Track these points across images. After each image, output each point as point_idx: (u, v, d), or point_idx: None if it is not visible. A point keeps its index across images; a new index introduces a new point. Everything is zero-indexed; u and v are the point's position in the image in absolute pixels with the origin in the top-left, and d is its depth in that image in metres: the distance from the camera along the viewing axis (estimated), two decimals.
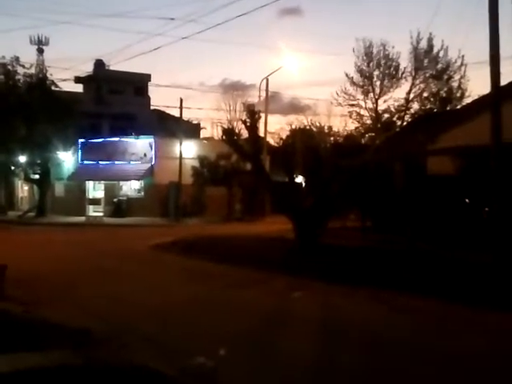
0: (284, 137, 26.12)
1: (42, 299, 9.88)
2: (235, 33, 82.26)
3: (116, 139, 37.40)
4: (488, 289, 10.49)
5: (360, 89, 25.51)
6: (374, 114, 25.50)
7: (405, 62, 25.12)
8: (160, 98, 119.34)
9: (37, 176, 36.94)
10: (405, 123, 25.20)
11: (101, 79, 49.68)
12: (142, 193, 35.86)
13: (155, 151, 35.29)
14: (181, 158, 33.20)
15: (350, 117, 25.78)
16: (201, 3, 49.25)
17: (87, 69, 56.09)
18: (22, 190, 42.43)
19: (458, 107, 23.52)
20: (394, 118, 25.63)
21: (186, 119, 41.22)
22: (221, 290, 11.27)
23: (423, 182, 18.61)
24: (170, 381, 5.56)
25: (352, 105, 25.79)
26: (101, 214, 35.24)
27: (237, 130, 22.06)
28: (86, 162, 37.14)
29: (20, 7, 74.02)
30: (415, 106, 25.41)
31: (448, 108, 24.07)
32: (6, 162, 36.39)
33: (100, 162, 36.56)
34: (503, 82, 13.26)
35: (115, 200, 35.48)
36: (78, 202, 36.07)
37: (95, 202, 36.33)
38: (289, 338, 7.70)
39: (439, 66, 24.64)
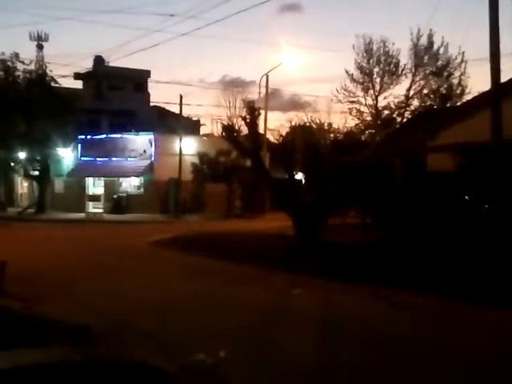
0: (284, 133, 26.09)
1: (42, 296, 9.88)
2: (235, 29, 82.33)
3: (116, 136, 37.39)
4: (488, 286, 10.49)
5: (360, 85, 25.44)
6: (373, 111, 25.43)
7: (405, 59, 25.04)
8: (160, 95, 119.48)
9: (36, 172, 36.92)
10: (405, 120, 25.14)
11: (100, 75, 49.63)
12: (142, 189, 35.87)
13: (155, 148, 35.28)
14: (180, 154, 33.19)
15: (350, 113, 25.71)
16: None
17: (87, 65, 56.15)
18: (22, 186, 42.42)
19: (458, 104, 23.46)
20: (394, 115, 25.56)
21: (185, 116, 41.22)
22: (220, 287, 11.27)
23: (423, 179, 18.61)
24: (170, 377, 5.55)
25: (352, 101, 25.72)
26: (100, 210, 35.25)
27: (237, 127, 21.98)
28: (85, 158, 37.13)
29: (20, 3, 73.95)
30: (415, 102, 25.34)
31: (448, 105, 24.00)
32: (5, 158, 36.36)
33: (100, 159, 36.54)
34: (503, 78, 13.26)
35: (115, 196, 35.48)
36: (78, 198, 36.09)
37: (95, 198, 36.35)
38: (288, 335, 7.70)
39: (439, 62, 24.56)
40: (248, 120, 18.26)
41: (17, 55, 34.71)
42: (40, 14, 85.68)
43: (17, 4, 74.69)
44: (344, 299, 10.25)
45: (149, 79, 52.22)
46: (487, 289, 10.29)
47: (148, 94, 53.02)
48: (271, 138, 32.72)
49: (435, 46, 24.46)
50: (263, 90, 35.56)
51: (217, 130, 39.39)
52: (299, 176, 21.25)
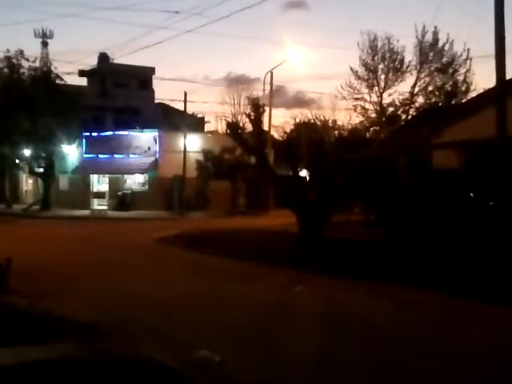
0: (288, 130, 26.09)
1: (47, 292, 9.92)
2: (240, 26, 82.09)
3: (120, 133, 37.44)
4: (492, 283, 10.47)
5: (365, 82, 25.41)
6: (378, 108, 25.40)
7: (410, 56, 25.00)
8: (164, 92, 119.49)
9: (41, 169, 37.01)
10: (409, 117, 25.11)
11: (105, 72, 49.73)
12: (147, 186, 35.91)
13: (159, 145, 35.30)
14: (185, 151, 33.21)
15: (355, 110, 25.69)
16: None
17: (91, 62, 56.24)
18: (27, 183, 42.54)
19: (463, 101, 23.41)
20: (399, 112, 25.52)
21: (190, 113, 41.35)
22: (224, 284, 11.30)
23: (428, 176, 18.57)
24: (175, 373, 5.58)
25: (356, 98, 25.70)
26: (105, 207, 35.32)
27: (241, 124, 22.02)
28: (90, 155, 37.19)
29: (24, 0, 74.04)
30: (420, 99, 25.31)
31: (453, 102, 23.95)
32: (10, 155, 36.49)
33: (104, 156, 36.60)
34: (508, 75, 13.22)
35: (119, 193, 35.54)
36: (83, 195, 36.16)
37: (99, 195, 36.42)
38: (292, 332, 7.71)
39: (444, 59, 24.50)
40: (252, 117, 18.26)
41: (22, 52, 34.87)
42: (45, 12, 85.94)
43: (22, 1, 74.81)
44: (347, 296, 10.26)
45: (153, 76, 52.35)
46: (491, 286, 10.27)
47: (152, 91, 53.09)
48: (276, 135, 32.71)
49: (440, 43, 24.42)
50: (268, 87, 35.54)
51: (221, 127, 39.54)
52: (303, 173, 21.24)
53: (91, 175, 37.24)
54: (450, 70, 24.47)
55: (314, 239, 16.25)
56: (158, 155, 35.29)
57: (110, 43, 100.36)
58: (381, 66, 25.23)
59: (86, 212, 33.81)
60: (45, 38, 42.92)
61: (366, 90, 25.48)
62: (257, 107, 18.41)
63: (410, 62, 24.93)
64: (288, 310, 9.41)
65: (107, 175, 36.76)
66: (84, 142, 37.39)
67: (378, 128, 24.22)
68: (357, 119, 25.61)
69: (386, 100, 25.45)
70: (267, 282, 11.65)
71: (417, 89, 24.92)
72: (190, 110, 40.72)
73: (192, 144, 34.69)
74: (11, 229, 23.75)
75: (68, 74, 38.91)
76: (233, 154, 32.26)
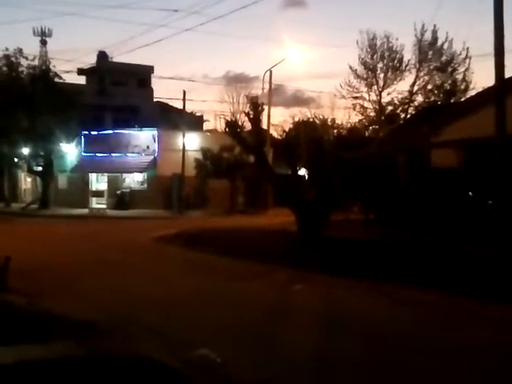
0: (287, 129, 25.96)
1: (46, 291, 9.91)
2: (239, 25, 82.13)
3: (119, 131, 37.41)
4: (491, 281, 10.48)
5: (364, 81, 25.33)
6: (377, 107, 25.33)
7: (409, 55, 24.91)
8: (163, 90, 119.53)
9: (40, 168, 37.00)
10: (408, 116, 25.07)
11: (104, 71, 49.66)
12: (145, 185, 35.91)
13: (158, 143, 35.29)
14: (184, 150, 33.19)
15: (354, 109, 25.60)
16: None
17: (90, 60, 56.15)
18: (25, 181, 42.53)
19: (462, 100, 23.39)
20: (398, 111, 25.46)
21: (189, 111, 41.26)
22: (223, 283, 11.29)
23: (427, 175, 18.58)
24: (174, 372, 5.57)
25: (355, 97, 25.61)
26: (104, 206, 35.29)
27: (240, 123, 21.97)
28: (89, 154, 37.16)
29: None
30: (419, 98, 25.23)
31: (452, 100, 23.90)
32: (9, 153, 36.46)
33: (103, 154, 36.57)
34: (507, 74, 13.21)
35: (118, 192, 35.53)
36: (81, 194, 36.13)
37: (98, 194, 36.39)
38: (291, 331, 7.71)
39: (443, 58, 24.44)
40: (251, 116, 18.25)
41: (20, 51, 34.83)
42: (44, 10, 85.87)
43: (20, 0, 74.68)
44: (346, 295, 10.26)
45: (152, 75, 52.29)
46: (490, 285, 10.28)
47: (151, 90, 53.04)
48: (274, 133, 32.56)
49: (439, 42, 24.34)
50: (267, 86, 35.47)
51: (220, 125, 39.44)
52: (302, 172, 21.22)
53: (90, 174, 37.21)
54: (449, 69, 24.41)
55: (313, 238, 16.25)
56: (156, 154, 35.28)
57: (108, 42, 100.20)
58: (380, 65, 25.16)
59: (85, 211, 33.79)
60: (44, 36, 42.86)
61: (365, 89, 25.40)
62: (256, 106, 18.40)
63: (409, 60, 24.86)
64: (287, 309, 9.41)
65: (106, 174, 36.74)
66: (83, 140, 37.38)
67: (377, 127, 24.18)
68: (356, 118, 25.53)
69: (385, 99, 25.37)
70: (266, 280, 11.64)
71: (416, 87, 24.85)
72: (188, 109, 40.67)
73: (191, 143, 34.68)
74: (10, 227, 23.73)
75: (67, 72, 38.80)
76: (232, 153, 32.24)
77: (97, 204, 35.84)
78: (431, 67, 24.59)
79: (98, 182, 37.42)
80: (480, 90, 20.86)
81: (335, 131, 20.87)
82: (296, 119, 22.55)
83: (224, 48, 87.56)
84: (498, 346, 7.06)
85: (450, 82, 24.37)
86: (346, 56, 67.63)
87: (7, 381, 5.08)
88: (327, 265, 12.78)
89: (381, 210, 20.97)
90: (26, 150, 36.23)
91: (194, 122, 44.92)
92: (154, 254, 15.99)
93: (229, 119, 21.83)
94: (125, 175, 36.39)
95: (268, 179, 21.18)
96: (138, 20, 72.77)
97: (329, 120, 20.64)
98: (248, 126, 19.90)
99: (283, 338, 7.32)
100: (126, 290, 10.32)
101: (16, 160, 37.56)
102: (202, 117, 51.69)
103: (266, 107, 26.24)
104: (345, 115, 25.97)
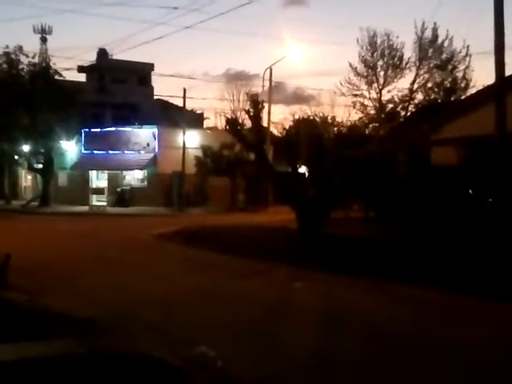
0: (287, 127, 25.94)
1: (46, 288, 9.91)
2: (239, 22, 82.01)
3: (119, 129, 37.40)
4: (491, 279, 10.48)
5: (364, 79, 25.32)
6: (377, 105, 25.32)
7: (409, 52, 24.91)
8: (163, 88, 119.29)
9: (40, 165, 37.00)
10: (409, 113, 25.06)
11: (104, 68, 49.61)
12: (146, 182, 35.92)
13: (158, 141, 35.29)
14: (184, 147, 33.18)
15: (354, 107, 25.59)
16: None
17: (90, 58, 56.13)
18: (26, 179, 42.52)
19: (463, 97, 23.38)
20: (398, 109, 25.44)
21: (189, 109, 41.27)
22: (223, 280, 11.30)
23: (427, 173, 18.58)
24: (174, 369, 5.58)
25: (356, 95, 25.60)
26: (104, 203, 35.33)
27: (240, 120, 21.99)
28: (89, 151, 37.17)
29: None
30: (419, 96, 25.22)
31: (452, 98, 23.90)
32: (9, 151, 36.46)
33: (103, 152, 36.57)
34: (508, 72, 13.19)
35: (118, 190, 35.54)
36: (82, 191, 36.16)
37: (98, 191, 36.42)
38: (291, 328, 7.71)
39: (444, 56, 24.43)
40: (252, 113, 18.24)
41: (20, 48, 34.79)
42: (44, 7, 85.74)
43: None
44: (347, 293, 10.26)
45: (152, 72, 52.20)
46: (491, 283, 10.28)
47: (151, 87, 52.99)
48: (275, 131, 32.60)
49: (439, 40, 24.33)
50: (267, 84, 35.47)
51: (220, 123, 39.41)
52: (302, 169, 21.22)
53: (90, 171, 37.23)
54: (450, 67, 24.40)
55: (313, 235, 16.25)
56: (156, 151, 35.27)
57: (108, 39, 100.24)
58: (380, 63, 25.15)
59: (85, 208, 33.82)
60: (44, 33, 42.84)
61: (365, 87, 25.39)
62: (256, 103, 18.38)
63: (409, 58, 24.85)
64: (287, 307, 9.41)
65: (106, 171, 36.75)
66: (83, 137, 37.37)
67: (377, 124, 24.17)
68: (356, 116, 25.52)
69: (386, 96, 25.37)
70: (266, 278, 11.65)
71: (416, 85, 24.85)
72: (189, 106, 40.70)
73: (191, 140, 34.67)
74: (10, 225, 23.74)
75: (67, 69, 39.10)
76: (232, 151, 32.23)
77: (97, 201, 35.88)
78: (431, 65, 24.57)
79: (98, 179, 37.43)
80: (480, 87, 20.89)
81: (335, 129, 20.86)
82: (296, 117, 22.53)
83: (224, 46, 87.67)
84: (498, 344, 7.06)
85: (450, 79, 24.36)
86: (346, 54, 67.55)
87: (7, 378, 5.09)
88: (327, 262, 12.78)
89: (381, 208, 20.97)
90: (26, 148, 36.23)
91: (195, 120, 44.90)
92: (155, 252, 16.00)
93: (229, 117, 21.82)
94: (125, 173, 36.40)
95: (268, 177, 21.19)
96: (138, 17, 72.77)
97: (329, 118, 20.64)
98: (248, 123, 19.88)
99: (283, 336, 7.32)
100: (126, 288, 10.32)
101: (16, 157, 37.57)
102: (202, 114, 51.68)
103: (266, 105, 26.22)
104: (345, 113, 26.03)
